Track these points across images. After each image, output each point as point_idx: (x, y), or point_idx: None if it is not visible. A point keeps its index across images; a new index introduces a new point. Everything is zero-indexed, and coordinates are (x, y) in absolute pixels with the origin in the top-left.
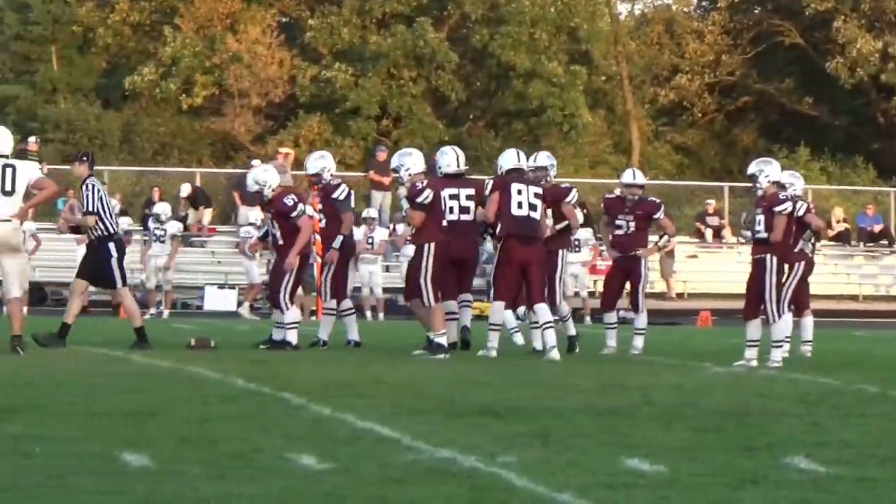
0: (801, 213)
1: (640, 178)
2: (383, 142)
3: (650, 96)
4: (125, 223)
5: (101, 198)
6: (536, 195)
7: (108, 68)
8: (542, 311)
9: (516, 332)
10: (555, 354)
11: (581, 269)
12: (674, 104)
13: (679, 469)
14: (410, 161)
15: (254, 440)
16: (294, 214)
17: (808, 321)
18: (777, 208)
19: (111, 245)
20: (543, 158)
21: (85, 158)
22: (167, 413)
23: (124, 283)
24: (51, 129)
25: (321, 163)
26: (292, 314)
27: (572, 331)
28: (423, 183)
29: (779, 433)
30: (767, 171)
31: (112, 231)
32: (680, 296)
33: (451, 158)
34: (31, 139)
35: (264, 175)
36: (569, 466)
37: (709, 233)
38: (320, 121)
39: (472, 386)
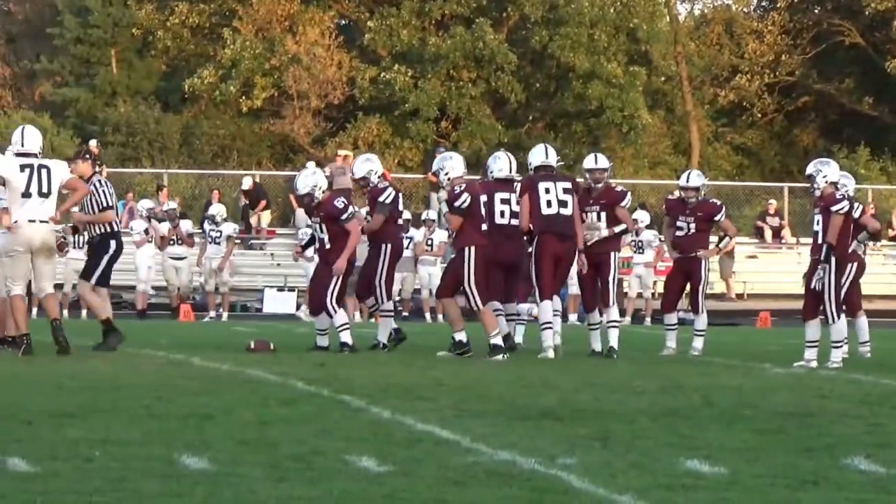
0: (857, 214)
1: (696, 181)
2: (442, 143)
3: (710, 97)
4: (187, 226)
5: (112, 194)
6: (566, 190)
7: (168, 71)
8: (546, 309)
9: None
10: (550, 353)
11: (644, 270)
12: (733, 105)
13: (739, 470)
14: (450, 165)
15: (313, 443)
16: (344, 217)
17: (863, 322)
18: (834, 208)
19: (112, 242)
20: (604, 160)
21: (87, 157)
22: (227, 416)
23: (102, 284)
24: (110, 132)
25: (367, 166)
26: (340, 317)
27: (597, 343)
28: (461, 187)
29: (839, 434)
30: (825, 171)
31: (116, 229)
32: (740, 296)
33: (503, 163)
34: (92, 142)
35: (314, 178)
36: (629, 468)
37: (768, 233)
38: (379, 123)
39: (533, 388)
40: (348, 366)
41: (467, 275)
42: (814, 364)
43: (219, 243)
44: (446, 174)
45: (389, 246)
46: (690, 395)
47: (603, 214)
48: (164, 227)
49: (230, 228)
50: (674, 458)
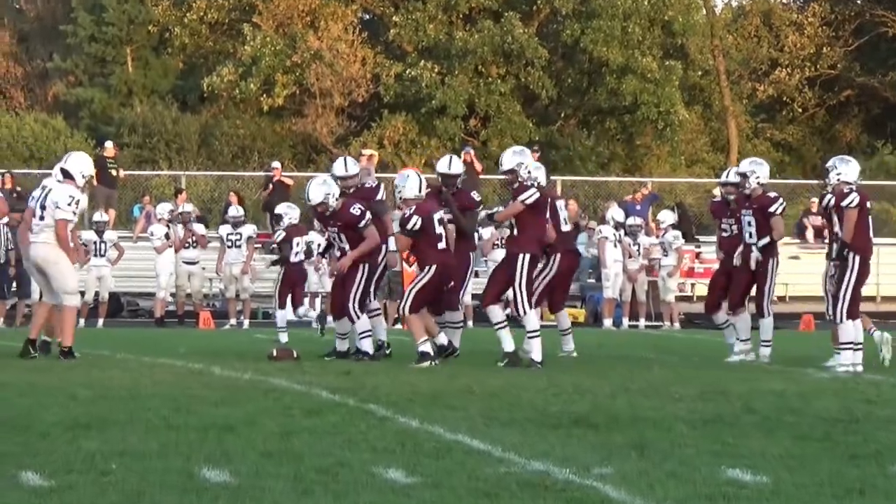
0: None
1: (734, 177)
2: (470, 142)
3: (748, 91)
4: (200, 229)
5: None
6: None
7: (185, 69)
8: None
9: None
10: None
11: (667, 273)
12: (773, 99)
13: (782, 479)
14: (405, 185)
15: (339, 454)
16: (362, 225)
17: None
18: (844, 202)
19: None
20: (746, 165)
21: None
22: (249, 427)
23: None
24: (126, 134)
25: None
26: (363, 323)
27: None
28: (412, 209)
29: (886, 440)
30: (840, 168)
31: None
32: (781, 299)
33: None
34: (108, 144)
35: (324, 187)
36: (667, 478)
37: (810, 233)
38: (405, 121)
39: (566, 395)
40: (374, 374)
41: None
42: (859, 368)
43: (239, 246)
44: (399, 193)
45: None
46: (731, 401)
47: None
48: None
49: (250, 230)
50: (714, 466)
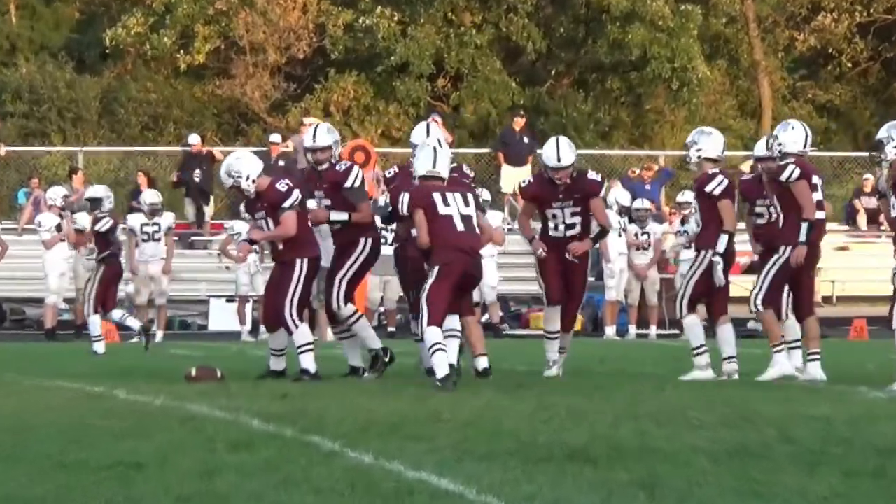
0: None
1: (778, 145)
2: (439, 108)
3: (784, 42)
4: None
5: None
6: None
7: (83, 20)
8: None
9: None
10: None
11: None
12: (815, 52)
13: None
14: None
15: (273, 497)
16: (286, 204)
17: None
18: None
19: None
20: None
21: None
22: (161, 464)
23: None
24: (9, 100)
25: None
26: (302, 334)
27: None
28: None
29: None
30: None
31: None
32: (827, 300)
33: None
34: None
35: (238, 164)
36: None
37: (862, 218)
38: (357, 82)
39: (557, 421)
40: (318, 397)
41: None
42: None
43: (158, 240)
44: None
45: (370, 240)
46: (762, 428)
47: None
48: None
49: (169, 219)
50: None
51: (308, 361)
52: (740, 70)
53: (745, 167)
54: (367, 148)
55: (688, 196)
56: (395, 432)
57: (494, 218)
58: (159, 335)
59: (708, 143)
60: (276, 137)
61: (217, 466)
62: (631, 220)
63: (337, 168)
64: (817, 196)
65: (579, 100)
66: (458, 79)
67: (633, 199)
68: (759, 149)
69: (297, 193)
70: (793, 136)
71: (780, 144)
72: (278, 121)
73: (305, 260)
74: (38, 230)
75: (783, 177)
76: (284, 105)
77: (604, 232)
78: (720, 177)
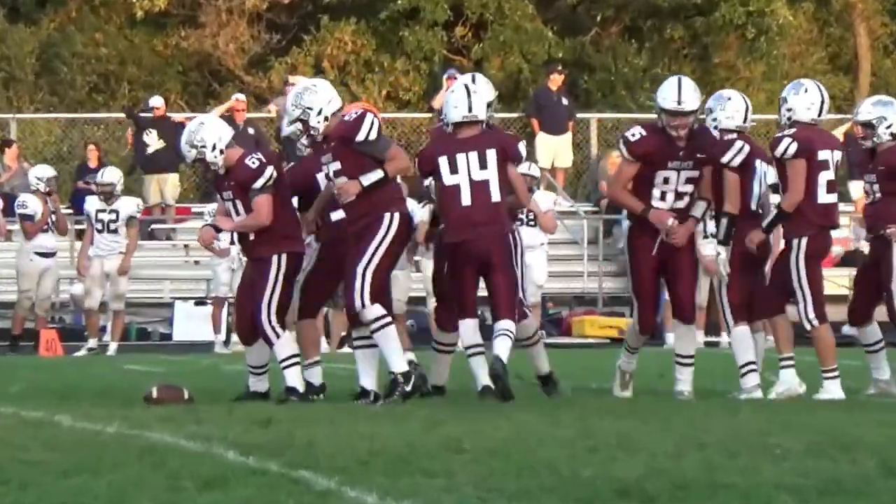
0: None
1: (871, 111)
2: (456, 63)
3: None
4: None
5: None
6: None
7: None
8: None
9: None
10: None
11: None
12: None
13: None
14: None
15: None
16: (257, 185)
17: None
18: None
19: None
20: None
21: None
22: None
23: None
24: None
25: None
26: (285, 345)
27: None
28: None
29: None
30: (890, 117)
31: None
32: None
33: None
34: None
35: (202, 130)
36: None
37: None
38: (357, 31)
39: (607, 451)
40: (308, 424)
41: None
42: None
43: (114, 231)
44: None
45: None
46: (860, 458)
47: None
48: (34, 204)
49: (131, 205)
50: None
51: (294, 378)
52: (831, 14)
53: (839, 133)
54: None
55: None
56: (404, 466)
57: (544, 199)
58: (113, 347)
59: (725, 110)
60: (239, 98)
61: None
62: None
63: (345, 119)
64: (828, 175)
65: (631, 52)
66: (481, 27)
67: None
68: (862, 113)
69: (270, 171)
70: (805, 100)
71: (789, 110)
72: (258, 80)
73: (284, 255)
74: None
75: (777, 152)
76: (266, 61)
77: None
78: (739, 143)
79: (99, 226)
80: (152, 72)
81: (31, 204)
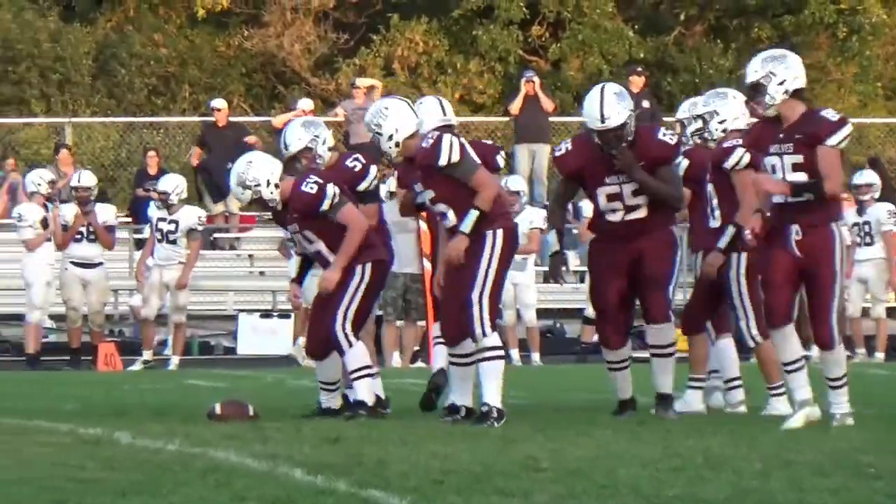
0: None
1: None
2: (535, 64)
3: None
4: (107, 214)
5: None
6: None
7: None
8: None
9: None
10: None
11: (874, 270)
12: None
13: None
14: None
15: None
16: (324, 207)
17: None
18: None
19: None
20: None
21: None
22: None
23: None
24: None
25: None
26: (357, 355)
27: None
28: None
29: None
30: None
31: None
32: None
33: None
34: None
35: (251, 170)
36: None
37: None
38: (428, 31)
39: (692, 470)
40: (379, 441)
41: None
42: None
43: (174, 241)
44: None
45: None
46: None
47: None
48: (70, 213)
49: (192, 216)
50: None
51: (363, 391)
52: None
53: None
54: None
55: (868, 177)
56: (479, 486)
57: (530, 216)
58: (175, 361)
59: (728, 109)
60: (306, 104)
61: None
62: None
63: (424, 146)
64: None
65: (717, 53)
66: (559, 26)
67: None
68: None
69: (331, 190)
70: (734, 107)
71: (722, 122)
72: (325, 82)
73: (368, 265)
74: (16, 226)
75: (729, 163)
76: (333, 62)
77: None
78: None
79: (158, 235)
80: (214, 73)
81: (28, 215)
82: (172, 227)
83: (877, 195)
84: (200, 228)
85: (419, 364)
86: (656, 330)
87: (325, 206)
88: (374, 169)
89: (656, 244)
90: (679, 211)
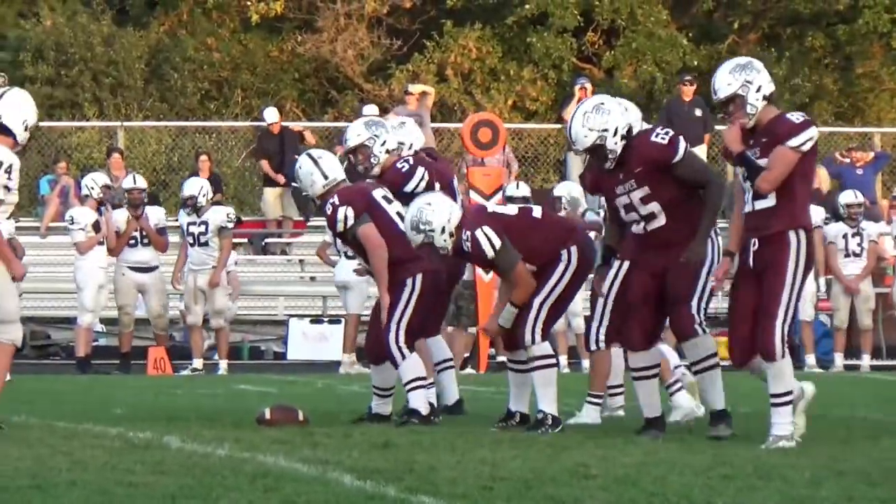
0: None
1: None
2: (588, 71)
3: None
4: (158, 215)
5: None
6: None
7: None
8: None
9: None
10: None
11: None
12: None
13: None
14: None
15: None
16: (339, 228)
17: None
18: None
19: None
20: None
21: None
22: None
23: None
24: (30, 61)
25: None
26: (412, 365)
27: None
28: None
29: None
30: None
31: None
32: None
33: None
34: None
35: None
36: None
37: None
38: (482, 38)
39: (742, 479)
40: (428, 448)
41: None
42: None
43: (205, 244)
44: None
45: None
46: None
47: None
48: (122, 219)
49: (220, 215)
50: None
51: (418, 401)
52: None
53: None
54: (494, 123)
55: None
56: (528, 493)
57: None
58: (223, 366)
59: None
60: (369, 109)
61: None
62: (837, 218)
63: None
64: None
65: (770, 62)
66: (613, 34)
67: (841, 189)
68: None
69: (344, 211)
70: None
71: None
72: (378, 88)
73: (418, 276)
74: (68, 229)
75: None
76: (386, 68)
77: None
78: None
79: (190, 239)
80: (267, 79)
81: (80, 218)
82: (203, 228)
83: None
84: (230, 226)
85: (469, 370)
86: (690, 346)
87: (339, 227)
88: (420, 170)
89: (676, 257)
90: (721, 201)
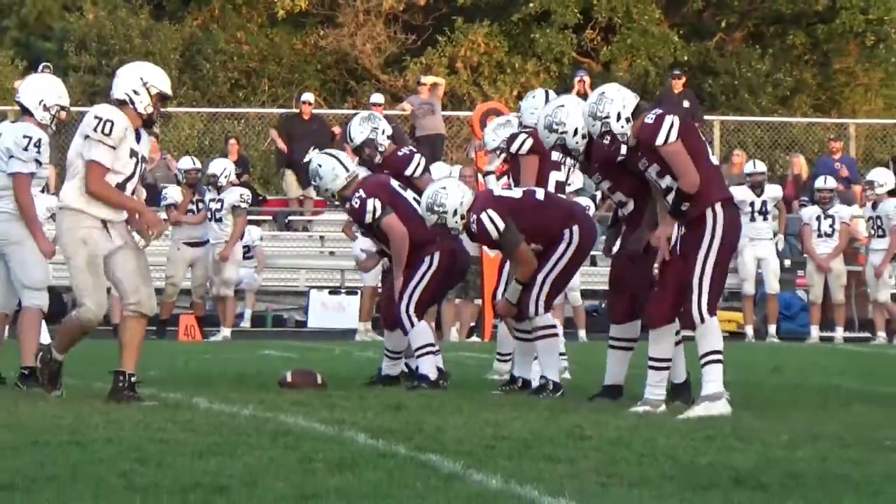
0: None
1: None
2: (586, 65)
3: None
4: (174, 195)
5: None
6: None
7: None
8: None
9: None
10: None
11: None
12: None
13: None
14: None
15: None
16: (367, 219)
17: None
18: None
19: None
20: None
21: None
22: (249, 488)
23: None
24: (73, 52)
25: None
26: (421, 332)
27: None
28: None
29: None
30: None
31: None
32: None
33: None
34: (44, 67)
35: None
36: None
37: None
38: (489, 33)
39: (723, 441)
40: (436, 410)
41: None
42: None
43: (220, 220)
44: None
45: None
46: None
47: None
48: (175, 195)
49: (235, 196)
50: None
51: (427, 366)
52: None
53: None
54: (501, 111)
55: (878, 174)
56: (528, 452)
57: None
58: (226, 333)
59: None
60: (377, 98)
61: (316, 491)
62: (812, 202)
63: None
64: (559, 176)
65: (754, 57)
66: (610, 30)
67: (815, 176)
68: None
69: (372, 203)
70: (534, 104)
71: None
72: (394, 79)
73: (437, 254)
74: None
75: (513, 147)
76: (401, 60)
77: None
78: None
79: (209, 215)
80: (291, 69)
81: (171, 194)
82: (219, 205)
83: (891, 188)
84: (244, 206)
85: (474, 338)
86: (697, 336)
87: (368, 218)
88: (418, 156)
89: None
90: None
